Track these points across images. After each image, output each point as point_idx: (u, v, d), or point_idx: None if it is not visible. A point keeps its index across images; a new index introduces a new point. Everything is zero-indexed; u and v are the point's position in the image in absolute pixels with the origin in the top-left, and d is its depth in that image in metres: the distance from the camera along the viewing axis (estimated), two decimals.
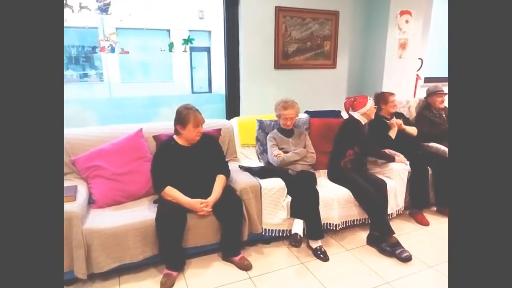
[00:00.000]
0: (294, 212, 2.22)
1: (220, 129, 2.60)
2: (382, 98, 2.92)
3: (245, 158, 2.70)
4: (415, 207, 2.71)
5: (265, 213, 2.22)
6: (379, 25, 3.32)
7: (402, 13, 3.24)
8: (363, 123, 2.60)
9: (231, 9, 2.95)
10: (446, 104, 3.22)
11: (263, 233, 2.24)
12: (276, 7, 3.02)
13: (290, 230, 2.21)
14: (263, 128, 2.71)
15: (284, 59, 3.20)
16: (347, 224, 2.43)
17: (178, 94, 9.19)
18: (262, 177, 2.27)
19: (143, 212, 1.98)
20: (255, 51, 3.08)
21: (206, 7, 9.50)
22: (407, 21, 3.27)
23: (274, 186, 2.21)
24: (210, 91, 10.88)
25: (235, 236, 2.08)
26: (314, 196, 2.22)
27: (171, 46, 2.95)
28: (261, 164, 2.58)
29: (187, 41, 3.02)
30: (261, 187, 2.19)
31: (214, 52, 10.53)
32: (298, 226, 2.16)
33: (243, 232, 2.12)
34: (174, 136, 2.15)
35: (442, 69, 4.35)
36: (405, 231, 2.49)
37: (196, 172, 2.09)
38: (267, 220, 2.23)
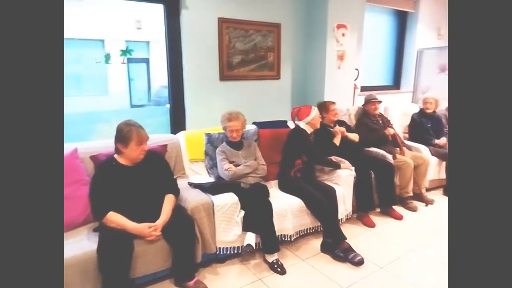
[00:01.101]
0: (247, 226, 2.16)
1: (166, 145, 2.46)
2: (323, 107, 3.04)
3: (194, 174, 2.58)
4: (362, 210, 2.83)
5: (219, 230, 2.13)
6: (319, 37, 3.47)
7: (339, 26, 3.43)
8: (309, 132, 2.66)
9: (173, 19, 2.84)
10: (381, 111, 3.48)
11: (218, 252, 2.15)
12: (219, 18, 2.98)
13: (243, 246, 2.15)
14: (212, 141, 2.63)
15: (229, 71, 3.16)
16: (301, 234, 2.44)
17: (115, 109, 8.62)
18: (214, 193, 2.18)
19: (81, 244, 1.75)
20: (199, 62, 3.00)
21: (143, 17, 9.13)
22: (343, 34, 3.47)
23: (227, 201, 2.13)
24: (150, 104, 10.41)
25: (188, 259, 1.95)
26: (267, 209, 2.19)
27: (107, 57, 2.76)
28: (212, 180, 2.49)
29: (125, 52, 2.84)
30: (213, 204, 2.10)
31: (154, 64, 10.14)
32: (250, 238, 2.12)
33: (196, 254, 2.00)
34: (115, 156, 1.96)
35: (375, 79, 4.69)
36: (354, 235, 2.58)
37: (141, 193, 1.92)
38: (221, 238, 2.14)
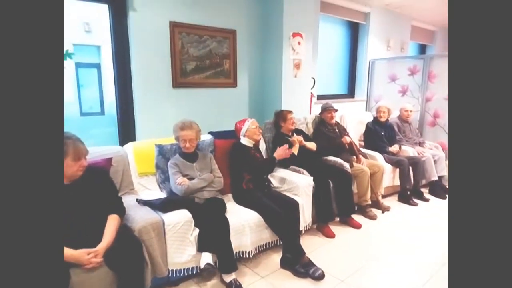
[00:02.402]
0: (202, 245, 2.01)
1: (111, 158, 2.23)
2: (280, 116, 3.00)
3: (144, 189, 2.37)
4: (321, 221, 2.79)
5: (170, 251, 1.95)
6: (275, 45, 3.44)
7: (294, 35, 3.42)
8: (250, 146, 2.58)
9: (119, 21, 2.63)
10: (337, 119, 3.52)
11: (170, 275, 1.96)
12: (170, 22, 2.83)
13: (199, 267, 1.99)
14: (163, 153, 2.44)
15: (182, 78, 3.00)
16: (260, 249, 2.33)
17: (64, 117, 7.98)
18: (165, 211, 2.00)
19: None
20: (150, 68, 2.81)
21: (93, 19, 8.61)
22: (299, 43, 3.47)
23: (180, 219, 1.96)
24: (102, 112, 9.80)
25: (136, 286, 1.75)
26: (223, 226, 2.05)
27: None
28: (163, 195, 2.30)
29: (65, 55, 2.56)
30: (164, 223, 1.92)
31: (106, 69, 9.59)
32: (206, 257, 1.97)
33: (145, 279, 1.80)
34: None
35: (331, 87, 4.78)
36: (314, 247, 2.52)
37: (80, 215, 1.69)
38: (174, 259, 1.96)
